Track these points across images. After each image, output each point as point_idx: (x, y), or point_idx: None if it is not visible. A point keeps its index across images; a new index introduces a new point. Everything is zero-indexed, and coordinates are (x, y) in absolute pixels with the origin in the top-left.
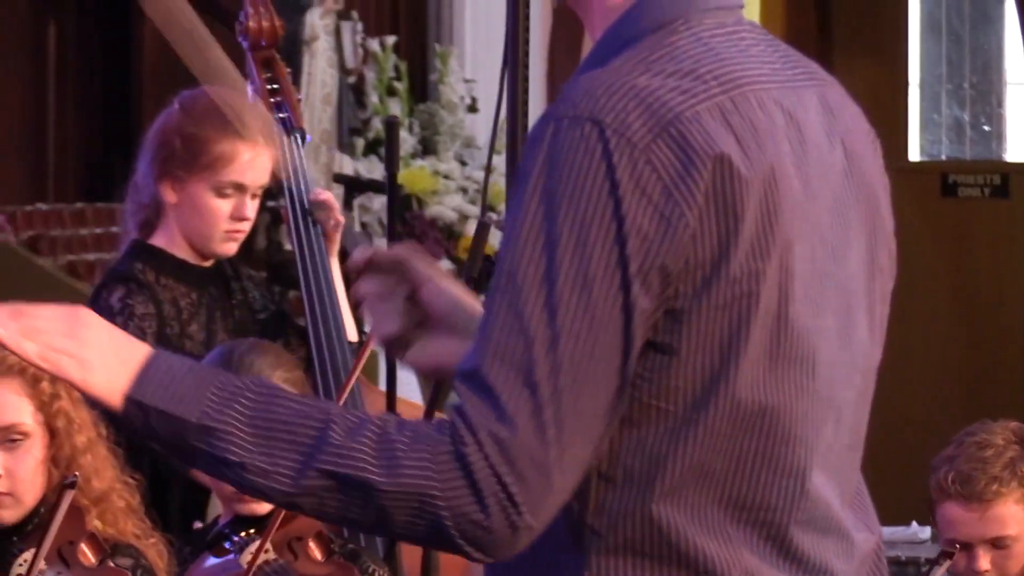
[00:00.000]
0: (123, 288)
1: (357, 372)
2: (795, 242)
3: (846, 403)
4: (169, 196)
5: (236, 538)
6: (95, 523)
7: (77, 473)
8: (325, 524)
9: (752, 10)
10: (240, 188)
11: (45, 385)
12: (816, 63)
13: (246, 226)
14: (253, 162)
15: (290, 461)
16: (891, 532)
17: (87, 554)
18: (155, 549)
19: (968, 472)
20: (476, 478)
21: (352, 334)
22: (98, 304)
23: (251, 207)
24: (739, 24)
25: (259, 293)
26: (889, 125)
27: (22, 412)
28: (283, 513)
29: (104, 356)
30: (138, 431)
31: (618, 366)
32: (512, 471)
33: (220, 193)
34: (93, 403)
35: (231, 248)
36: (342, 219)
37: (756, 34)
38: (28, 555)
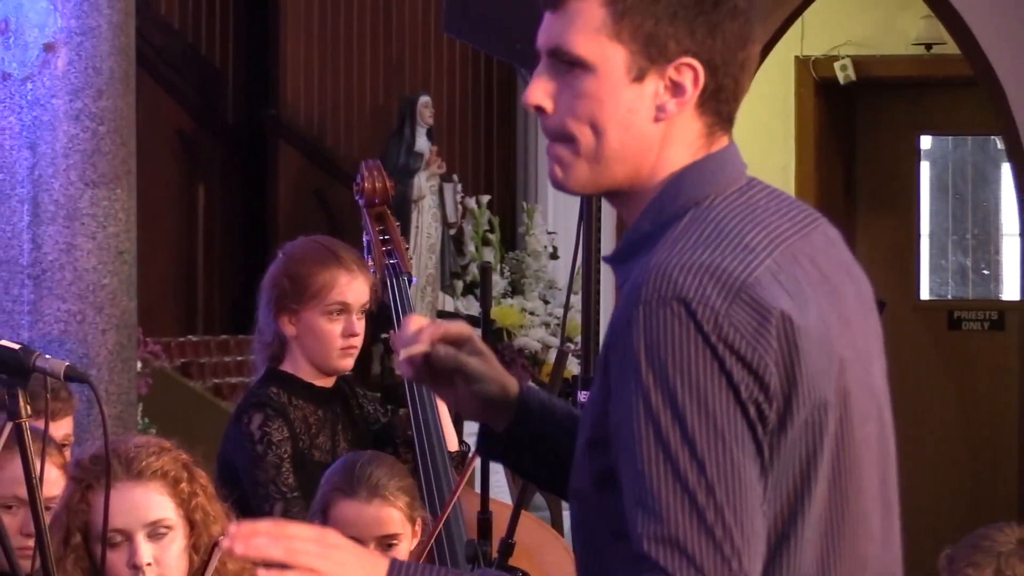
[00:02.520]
0: (261, 414)
1: (462, 485)
2: (847, 367)
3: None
4: (288, 329)
5: None
6: None
7: (223, 535)
8: None
9: (788, 175)
10: (346, 308)
11: (184, 486)
12: (824, 212)
13: (357, 341)
14: (351, 285)
15: None
16: None
17: None
18: None
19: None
20: None
21: (453, 444)
22: (239, 427)
23: (359, 325)
24: (750, 185)
25: (372, 408)
26: (904, 269)
27: (166, 509)
28: None
29: (355, 572)
30: None
31: (761, 492)
32: None
33: (329, 316)
34: None
35: (348, 363)
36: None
37: (762, 189)
38: None
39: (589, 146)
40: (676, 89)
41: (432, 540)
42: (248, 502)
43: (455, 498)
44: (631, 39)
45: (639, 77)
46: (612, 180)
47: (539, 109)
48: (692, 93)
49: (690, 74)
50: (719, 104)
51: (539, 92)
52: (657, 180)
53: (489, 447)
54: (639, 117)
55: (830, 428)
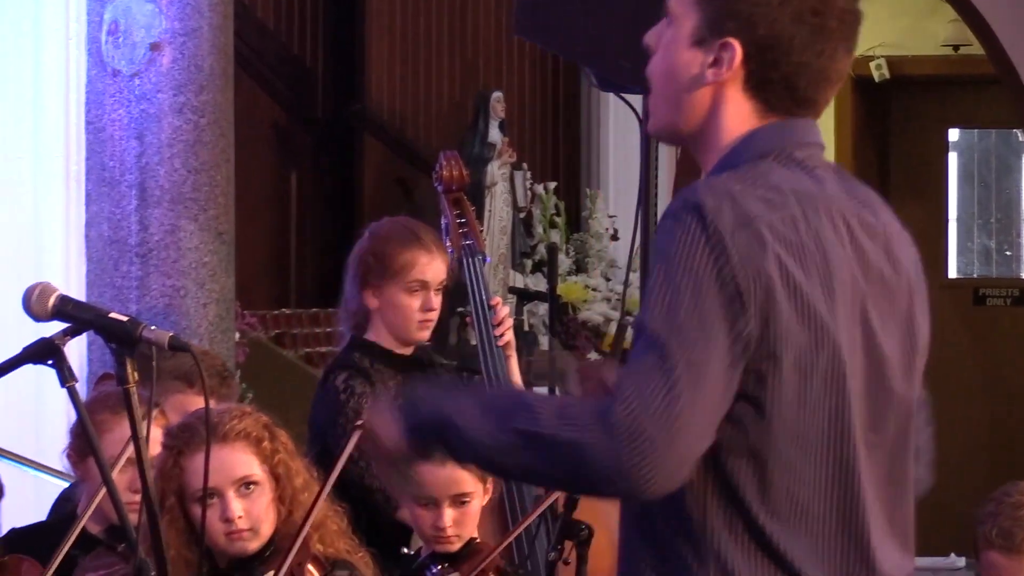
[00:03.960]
0: (345, 373)
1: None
2: (837, 315)
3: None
4: (372, 302)
5: (434, 569)
6: (317, 546)
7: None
8: (504, 559)
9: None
10: (424, 285)
11: (266, 444)
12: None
13: (434, 315)
14: (430, 264)
15: (491, 425)
16: (932, 561)
17: (312, 572)
18: (363, 562)
19: (1008, 528)
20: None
21: None
22: (326, 385)
23: (436, 300)
24: (818, 159)
25: (449, 377)
26: (933, 251)
27: (251, 466)
28: (477, 553)
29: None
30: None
31: (722, 369)
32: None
33: (409, 292)
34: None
35: (425, 335)
36: (510, 322)
37: (830, 168)
38: None
39: (656, 89)
40: (716, 62)
41: (504, 499)
42: (331, 460)
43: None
44: (707, 8)
45: (699, 42)
46: (674, 128)
47: (647, 47)
48: (728, 71)
49: (730, 53)
50: (767, 93)
51: (651, 33)
52: (723, 144)
53: None
54: (690, 76)
55: (824, 358)
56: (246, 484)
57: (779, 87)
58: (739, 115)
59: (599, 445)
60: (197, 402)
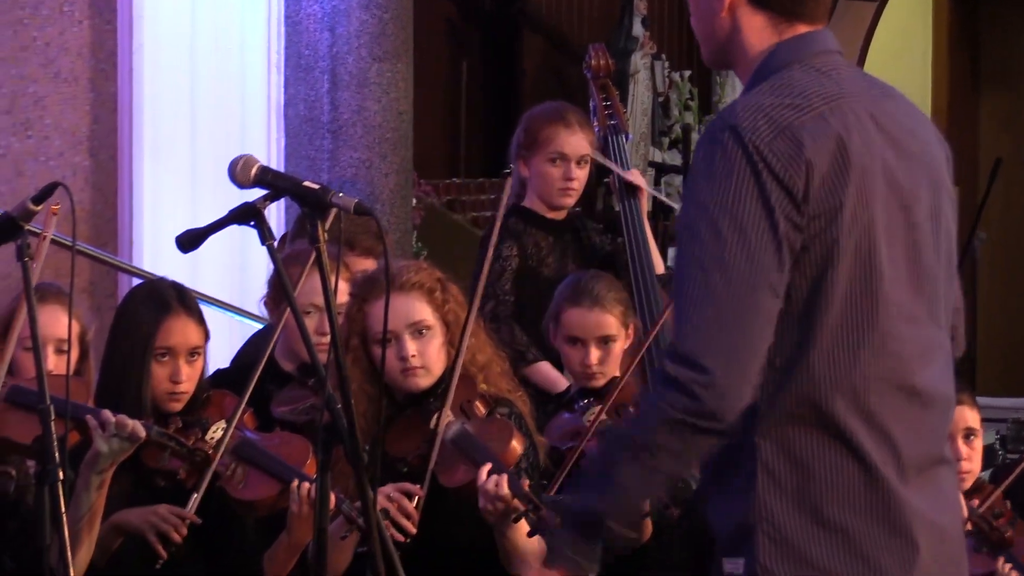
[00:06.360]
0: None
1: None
2: (877, 198)
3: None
4: (524, 171)
5: (582, 403)
6: (482, 386)
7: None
8: (640, 393)
9: (927, 60)
10: (564, 157)
11: (438, 295)
12: (954, 89)
13: (574, 184)
14: (570, 139)
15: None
16: (1014, 402)
17: (479, 408)
18: (521, 400)
19: None
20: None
21: (659, 267)
22: (484, 246)
23: (576, 171)
24: (836, 61)
25: (599, 239)
26: (1019, 133)
27: (424, 312)
28: (618, 388)
29: None
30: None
31: (772, 280)
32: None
33: (552, 163)
34: None
35: (568, 201)
36: (648, 189)
37: (849, 67)
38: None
39: (695, 29)
40: None
41: (644, 346)
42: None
43: (667, 313)
44: None
45: None
46: (714, 56)
47: None
48: None
49: None
50: (771, 4)
51: None
52: (751, 60)
53: None
54: (708, 8)
55: (856, 236)
56: (420, 329)
57: None
58: (755, 31)
59: (678, 407)
60: (356, 262)
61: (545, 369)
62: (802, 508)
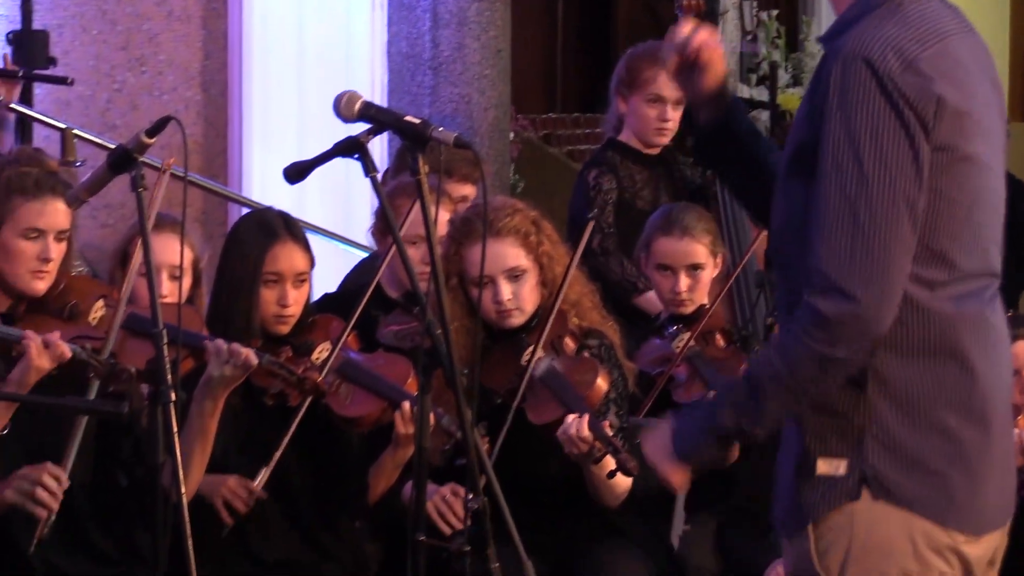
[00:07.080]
0: (597, 169)
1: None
2: (978, 132)
3: None
4: (622, 108)
5: (671, 329)
6: (573, 320)
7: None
8: (727, 321)
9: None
10: (661, 99)
11: (532, 237)
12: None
13: (670, 125)
14: (669, 82)
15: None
16: None
17: (569, 344)
18: (612, 329)
19: None
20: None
21: None
22: (582, 178)
23: (671, 112)
24: None
25: (691, 173)
26: None
27: (519, 257)
28: (706, 315)
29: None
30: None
31: (914, 208)
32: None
33: (649, 103)
34: None
35: (663, 140)
36: None
37: (939, 1)
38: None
39: None
40: None
41: (733, 276)
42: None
43: (755, 244)
44: None
45: None
46: None
47: None
48: None
49: None
50: None
51: None
52: None
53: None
54: None
55: (960, 167)
56: (515, 272)
57: None
58: None
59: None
60: (455, 188)
61: (655, 298)
62: (913, 413)
